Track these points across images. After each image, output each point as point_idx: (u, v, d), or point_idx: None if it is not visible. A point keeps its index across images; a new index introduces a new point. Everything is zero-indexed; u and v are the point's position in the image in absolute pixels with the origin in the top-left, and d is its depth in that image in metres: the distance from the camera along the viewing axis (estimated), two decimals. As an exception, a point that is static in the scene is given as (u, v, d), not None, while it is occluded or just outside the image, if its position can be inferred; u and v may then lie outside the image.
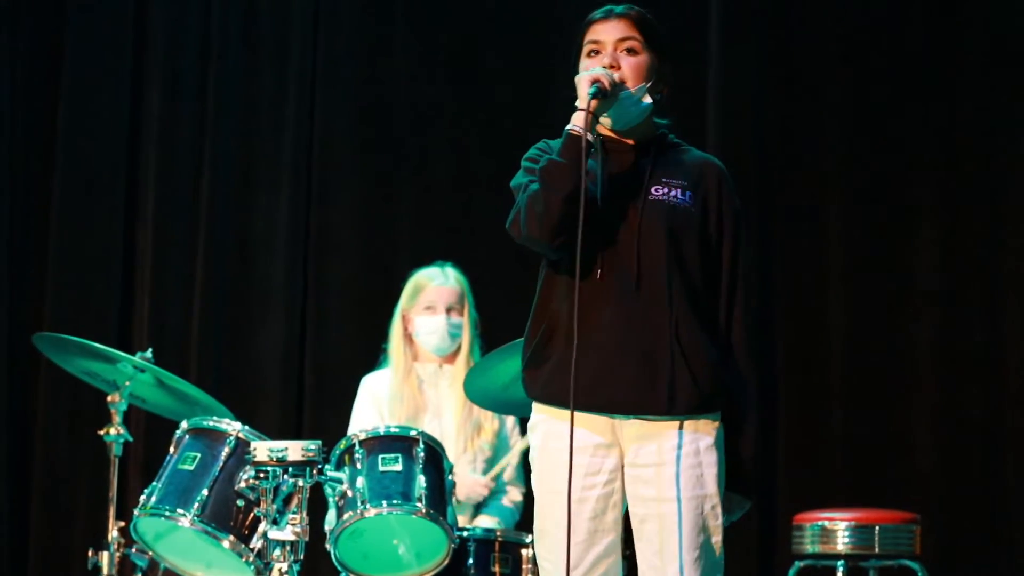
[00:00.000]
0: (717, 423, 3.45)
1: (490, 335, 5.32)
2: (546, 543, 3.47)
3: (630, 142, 3.54)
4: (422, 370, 5.35)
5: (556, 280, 3.47)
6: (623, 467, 3.45)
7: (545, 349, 3.46)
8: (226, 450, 4.47)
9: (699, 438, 3.41)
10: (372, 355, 5.50)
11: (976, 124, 6.33)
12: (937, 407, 6.23)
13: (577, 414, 3.34)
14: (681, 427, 3.41)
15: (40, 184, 6.76)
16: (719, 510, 3.43)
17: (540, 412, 3.50)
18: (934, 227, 6.33)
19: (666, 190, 3.47)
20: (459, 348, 5.34)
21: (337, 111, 6.73)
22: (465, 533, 4.58)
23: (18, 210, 6.72)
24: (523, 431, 5.35)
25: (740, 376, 3.49)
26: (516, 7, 6.71)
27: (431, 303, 5.31)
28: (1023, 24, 6.27)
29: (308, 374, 6.59)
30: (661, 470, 3.40)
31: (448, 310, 5.30)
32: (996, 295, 6.26)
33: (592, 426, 3.42)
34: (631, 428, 3.42)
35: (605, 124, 3.50)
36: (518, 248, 6.63)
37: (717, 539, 3.43)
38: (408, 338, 5.36)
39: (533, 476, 3.53)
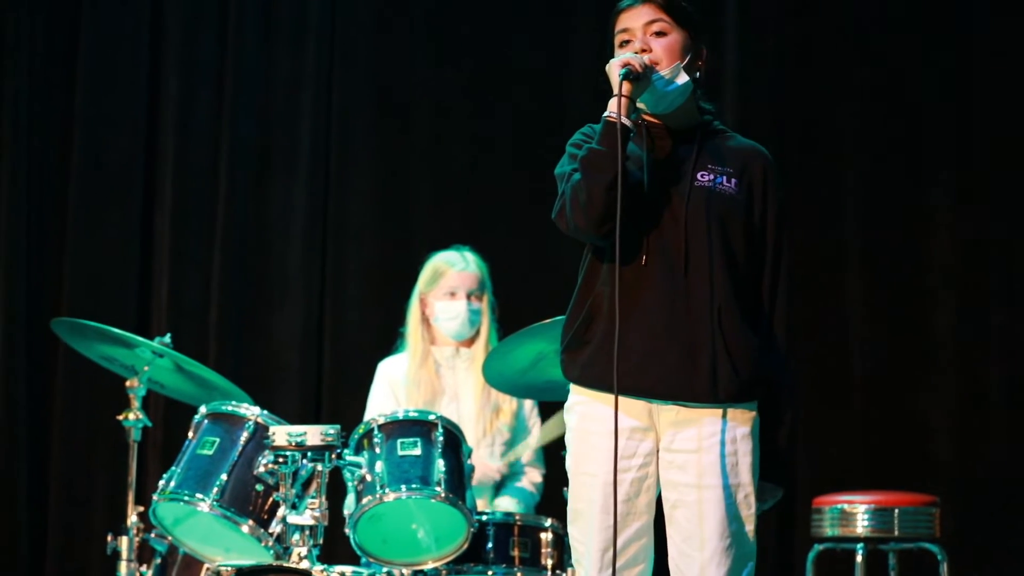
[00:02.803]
0: (754, 412, 3.44)
1: (506, 319, 5.31)
2: (579, 525, 3.46)
3: (675, 127, 3.50)
4: (439, 354, 5.34)
5: (600, 264, 3.45)
6: (658, 452, 3.44)
7: (586, 332, 3.44)
8: (245, 435, 4.47)
9: (736, 427, 3.41)
10: (390, 339, 5.50)
11: (995, 110, 6.31)
12: (956, 390, 6.23)
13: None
14: (719, 415, 3.40)
15: (58, 170, 6.77)
16: (752, 499, 3.42)
17: (578, 394, 3.49)
18: (951, 209, 6.31)
19: (711, 176, 3.45)
20: (477, 332, 5.33)
21: (354, 96, 6.72)
22: (484, 517, 4.55)
23: (36, 196, 6.73)
24: (542, 414, 5.36)
25: (780, 366, 3.48)
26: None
27: (452, 288, 5.30)
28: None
29: (327, 358, 6.59)
30: (696, 457, 3.40)
31: (468, 295, 5.29)
32: (1013, 278, 6.25)
33: (629, 409, 3.39)
34: (669, 413, 3.42)
35: (645, 109, 3.47)
36: (533, 232, 6.63)
37: (749, 528, 3.44)
38: (426, 322, 5.35)
39: (568, 458, 3.51)
